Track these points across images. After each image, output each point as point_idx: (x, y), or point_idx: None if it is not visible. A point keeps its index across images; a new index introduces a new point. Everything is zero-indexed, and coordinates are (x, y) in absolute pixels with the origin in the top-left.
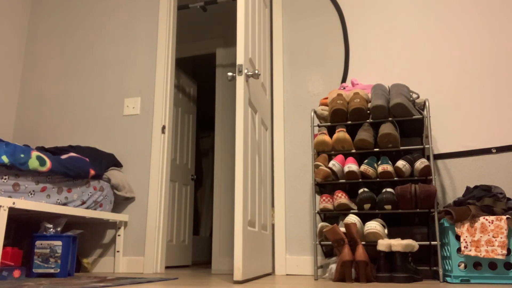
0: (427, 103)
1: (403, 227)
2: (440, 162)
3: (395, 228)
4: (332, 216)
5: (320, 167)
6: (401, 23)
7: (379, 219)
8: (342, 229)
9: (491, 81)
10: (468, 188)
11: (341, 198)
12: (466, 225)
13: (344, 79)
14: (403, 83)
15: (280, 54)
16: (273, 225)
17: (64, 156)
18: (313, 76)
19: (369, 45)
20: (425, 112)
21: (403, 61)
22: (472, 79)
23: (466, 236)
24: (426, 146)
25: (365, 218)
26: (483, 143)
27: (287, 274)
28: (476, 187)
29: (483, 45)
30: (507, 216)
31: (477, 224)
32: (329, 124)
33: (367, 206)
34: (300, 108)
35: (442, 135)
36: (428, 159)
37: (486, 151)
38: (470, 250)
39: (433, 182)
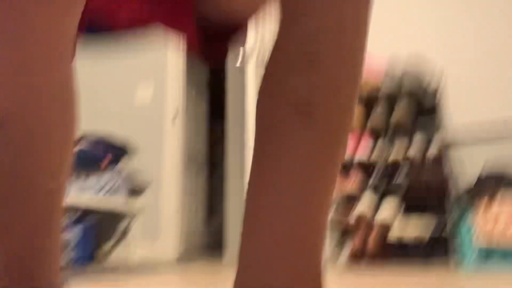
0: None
1: (417, 213)
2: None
3: (408, 214)
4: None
5: None
6: None
7: (394, 205)
8: None
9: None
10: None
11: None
12: (483, 213)
13: None
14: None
15: None
16: None
17: (77, 146)
18: None
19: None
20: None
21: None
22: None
23: (482, 224)
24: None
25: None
26: None
27: None
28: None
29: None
30: None
31: (493, 212)
32: None
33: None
34: None
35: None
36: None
37: None
38: (485, 238)
39: (447, 167)
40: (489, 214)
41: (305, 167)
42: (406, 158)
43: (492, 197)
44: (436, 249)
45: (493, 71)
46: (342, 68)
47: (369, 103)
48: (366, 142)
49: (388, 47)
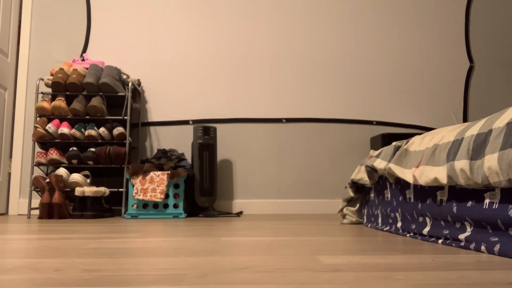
0: (138, 83)
1: (107, 177)
2: (152, 128)
3: (100, 178)
4: (57, 167)
5: (38, 128)
6: (141, 13)
7: (86, 171)
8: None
9: (199, 68)
10: (158, 150)
11: (53, 154)
12: (140, 177)
13: (84, 50)
14: (115, 66)
15: (28, 21)
16: (9, 174)
17: None
18: (57, 44)
19: (109, 27)
20: (128, 90)
21: (134, 46)
22: (188, 65)
23: (138, 185)
24: (125, 117)
25: (77, 170)
26: (184, 115)
27: (19, 214)
28: (159, 149)
29: (199, 40)
30: (168, 172)
31: (148, 177)
32: (51, 92)
33: (74, 161)
34: (44, 73)
35: (155, 107)
36: (125, 127)
37: (185, 122)
38: (140, 195)
39: (127, 145)
40: (147, 178)
41: None
42: (98, 135)
43: (154, 165)
44: (113, 201)
45: (182, 84)
46: None
47: (73, 93)
48: (67, 123)
49: (109, 54)
